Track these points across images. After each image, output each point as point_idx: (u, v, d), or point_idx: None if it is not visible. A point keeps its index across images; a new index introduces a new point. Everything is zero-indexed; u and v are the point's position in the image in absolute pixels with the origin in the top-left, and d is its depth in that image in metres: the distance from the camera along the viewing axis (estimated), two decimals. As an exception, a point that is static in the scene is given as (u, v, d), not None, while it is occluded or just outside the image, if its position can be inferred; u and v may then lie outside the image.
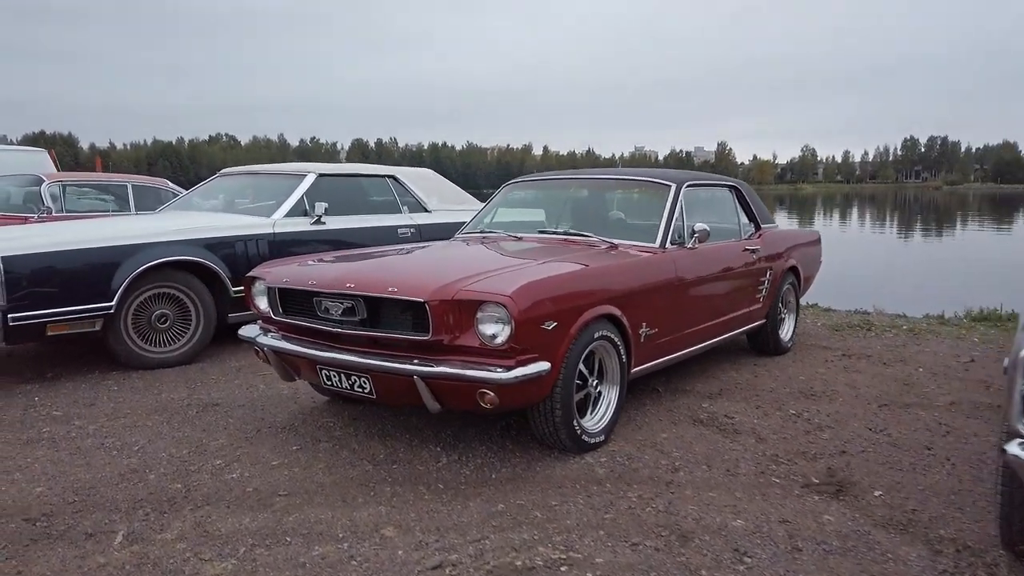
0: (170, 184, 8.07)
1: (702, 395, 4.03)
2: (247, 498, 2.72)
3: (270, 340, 3.28)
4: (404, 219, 6.18)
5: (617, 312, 3.19)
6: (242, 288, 5.01)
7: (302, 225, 5.41)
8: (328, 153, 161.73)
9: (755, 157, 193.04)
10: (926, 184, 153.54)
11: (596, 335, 3.09)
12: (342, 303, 3.00)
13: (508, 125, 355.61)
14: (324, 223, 5.50)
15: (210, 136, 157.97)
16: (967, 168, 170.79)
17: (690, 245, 3.86)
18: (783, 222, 26.33)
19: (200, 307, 4.80)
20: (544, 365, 2.81)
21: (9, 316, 3.96)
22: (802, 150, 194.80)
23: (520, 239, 4.06)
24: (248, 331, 3.54)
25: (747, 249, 4.44)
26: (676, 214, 3.92)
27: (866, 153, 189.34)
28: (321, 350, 3.08)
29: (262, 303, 3.49)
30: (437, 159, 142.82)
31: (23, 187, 7.13)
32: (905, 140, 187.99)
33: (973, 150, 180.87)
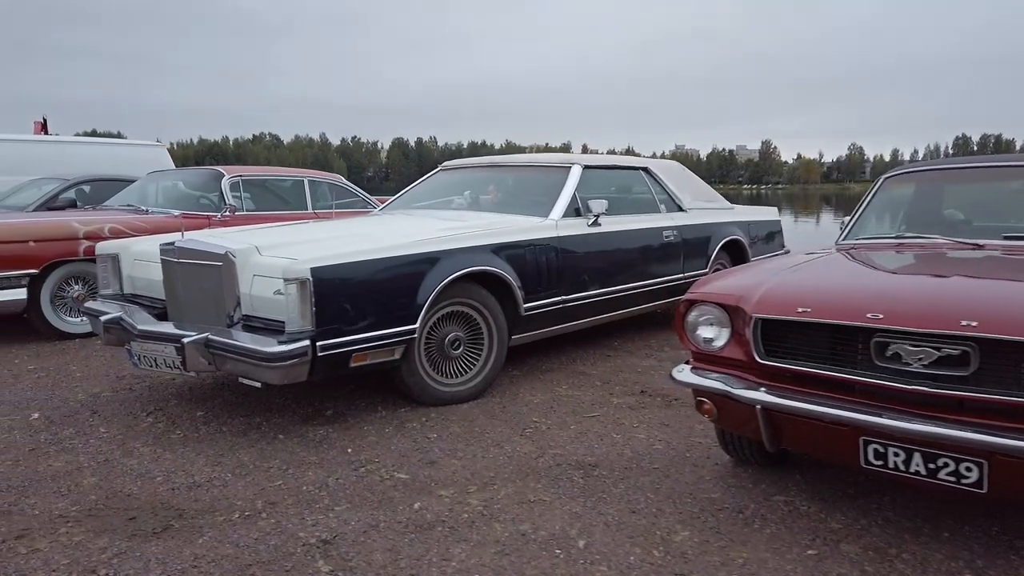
0: (343, 180, 7.22)
1: None
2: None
3: (775, 398, 2.28)
4: (665, 219, 5.19)
5: None
6: (533, 305, 4.14)
7: (580, 227, 4.45)
8: (369, 152, 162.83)
9: (799, 155, 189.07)
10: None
11: None
12: (939, 349, 2.01)
13: (547, 124, 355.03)
14: (600, 224, 4.55)
15: (254, 135, 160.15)
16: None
17: None
18: (829, 221, 24.85)
19: (494, 327, 3.86)
20: None
21: (319, 345, 3.06)
22: (849, 148, 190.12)
23: (982, 246, 3.03)
24: (684, 375, 2.57)
25: None
26: None
27: (916, 152, 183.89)
28: (876, 416, 2.09)
29: (707, 334, 2.53)
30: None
31: (198, 182, 6.32)
32: (957, 138, 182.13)
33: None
